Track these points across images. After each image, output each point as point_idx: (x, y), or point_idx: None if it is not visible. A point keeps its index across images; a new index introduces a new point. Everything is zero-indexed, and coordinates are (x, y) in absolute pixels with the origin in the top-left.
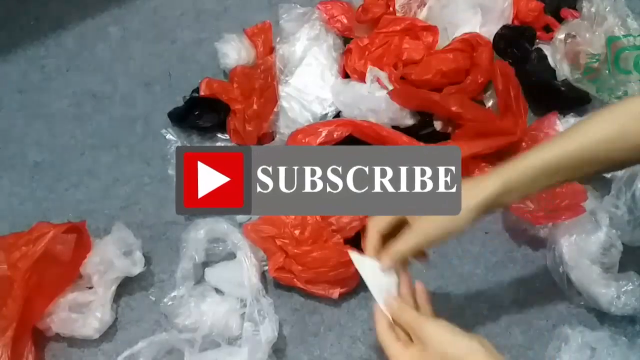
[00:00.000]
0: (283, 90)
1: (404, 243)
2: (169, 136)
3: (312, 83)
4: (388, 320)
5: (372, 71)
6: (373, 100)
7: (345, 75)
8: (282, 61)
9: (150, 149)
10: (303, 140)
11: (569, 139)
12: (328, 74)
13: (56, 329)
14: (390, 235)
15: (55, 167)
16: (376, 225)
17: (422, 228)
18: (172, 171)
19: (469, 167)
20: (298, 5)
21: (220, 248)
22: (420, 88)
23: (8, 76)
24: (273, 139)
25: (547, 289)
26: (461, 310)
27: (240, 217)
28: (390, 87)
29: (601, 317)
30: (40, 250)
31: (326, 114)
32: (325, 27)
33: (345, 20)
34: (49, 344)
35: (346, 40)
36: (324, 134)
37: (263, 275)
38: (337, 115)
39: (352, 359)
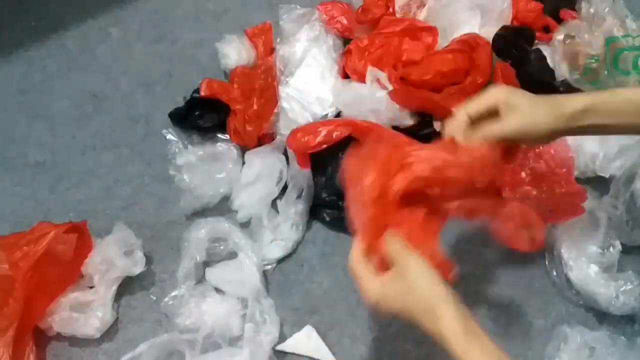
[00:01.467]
0: (283, 91)
1: (495, 128)
2: (169, 136)
3: (312, 84)
4: (363, 250)
5: (372, 72)
6: (373, 100)
7: (345, 76)
8: (282, 62)
9: (151, 149)
10: (302, 139)
11: None
12: (328, 75)
13: (57, 328)
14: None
15: (56, 167)
16: (468, 108)
17: (511, 120)
18: (172, 171)
19: None
20: (298, 6)
21: (222, 247)
22: (420, 88)
23: (9, 77)
24: (273, 139)
25: (546, 288)
26: None
27: (241, 216)
28: (390, 88)
29: (600, 316)
30: (41, 250)
31: (326, 115)
32: (325, 28)
33: (344, 21)
34: (50, 344)
35: (346, 41)
36: (323, 133)
37: (264, 275)
38: (338, 115)
39: (353, 358)
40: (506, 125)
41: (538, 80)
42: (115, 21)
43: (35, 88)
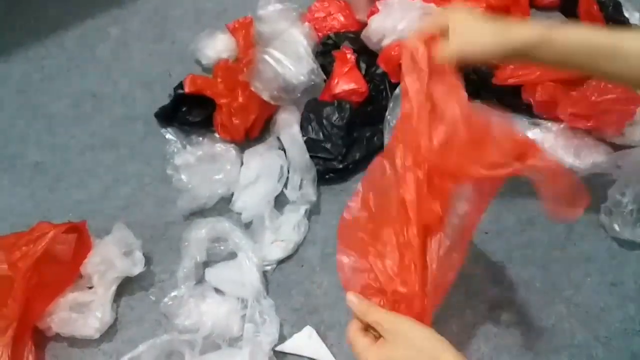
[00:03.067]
0: (260, 55)
1: (440, 49)
2: (168, 136)
3: (288, 56)
4: (360, 324)
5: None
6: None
7: None
8: (259, 33)
9: (150, 148)
10: (393, 53)
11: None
12: (302, 51)
13: (56, 328)
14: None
15: (55, 167)
16: (419, 33)
17: (451, 41)
18: (171, 171)
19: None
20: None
21: (222, 248)
22: None
23: (8, 76)
24: (259, 132)
25: (547, 289)
26: (461, 310)
27: (245, 217)
28: None
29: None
30: (40, 250)
31: (299, 84)
32: (300, 19)
33: (342, 18)
34: (49, 344)
35: (325, 38)
36: None
37: (264, 275)
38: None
39: (352, 358)
40: (447, 46)
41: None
42: (115, 21)
43: (34, 88)
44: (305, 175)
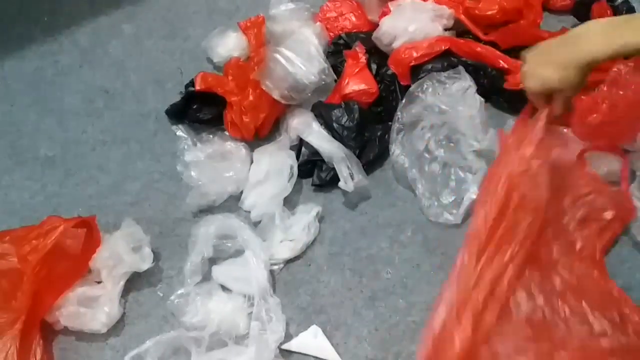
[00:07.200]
0: (270, 53)
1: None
2: (179, 133)
3: (299, 55)
4: None
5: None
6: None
7: None
8: (271, 33)
9: (161, 145)
10: (404, 55)
11: None
12: (315, 52)
13: (65, 322)
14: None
15: (66, 162)
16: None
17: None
18: (181, 168)
19: None
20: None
21: (229, 244)
22: (482, 23)
23: (22, 71)
24: (269, 131)
25: None
26: None
27: (254, 215)
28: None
29: None
30: (50, 244)
31: (310, 84)
32: (312, 19)
33: (353, 19)
34: (57, 338)
35: (336, 39)
36: (424, 46)
37: (271, 274)
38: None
39: (358, 358)
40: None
41: None
42: (128, 17)
43: (47, 83)
44: (351, 162)
